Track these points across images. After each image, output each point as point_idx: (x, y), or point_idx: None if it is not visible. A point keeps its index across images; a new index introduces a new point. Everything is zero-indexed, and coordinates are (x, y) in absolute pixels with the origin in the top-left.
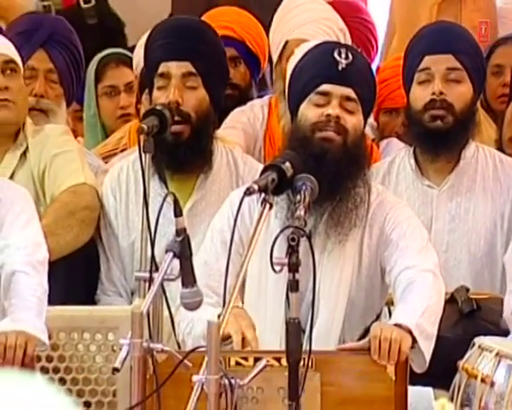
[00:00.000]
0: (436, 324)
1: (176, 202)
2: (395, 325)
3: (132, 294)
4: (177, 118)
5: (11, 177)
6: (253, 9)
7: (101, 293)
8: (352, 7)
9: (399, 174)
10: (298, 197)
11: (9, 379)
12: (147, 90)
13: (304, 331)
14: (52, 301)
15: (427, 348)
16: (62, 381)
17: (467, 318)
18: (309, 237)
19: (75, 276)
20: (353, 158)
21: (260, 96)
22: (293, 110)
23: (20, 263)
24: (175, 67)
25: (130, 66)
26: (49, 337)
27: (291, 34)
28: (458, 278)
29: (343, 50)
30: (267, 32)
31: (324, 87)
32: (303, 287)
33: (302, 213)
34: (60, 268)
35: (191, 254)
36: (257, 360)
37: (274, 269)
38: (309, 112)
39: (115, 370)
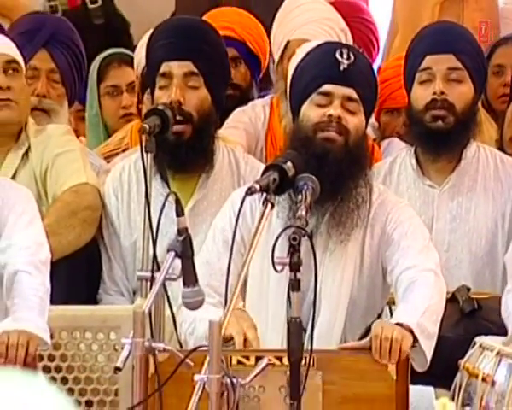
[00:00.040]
0: (437, 323)
1: (177, 201)
2: (396, 324)
3: (134, 293)
4: (178, 117)
5: (13, 176)
6: (255, 9)
7: (103, 292)
8: (353, 7)
9: (401, 174)
10: (299, 197)
11: (10, 379)
12: (148, 90)
13: (305, 331)
14: (54, 300)
15: (428, 347)
16: (64, 380)
17: (468, 317)
18: (310, 237)
19: (77, 275)
20: (355, 158)
21: (263, 96)
22: (295, 110)
23: (23, 263)
24: (177, 67)
25: (133, 66)
26: (51, 337)
27: (292, 34)
28: (459, 278)
29: (345, 51)
30: (269, 32)
31: (326, 87)
32: (304, 287)
33: (303, 212)
34: (62, 268)
35: (193, 254)
36: (258, 359)
37: (275, 268)
38: (311, 112)
39: (117, 369)
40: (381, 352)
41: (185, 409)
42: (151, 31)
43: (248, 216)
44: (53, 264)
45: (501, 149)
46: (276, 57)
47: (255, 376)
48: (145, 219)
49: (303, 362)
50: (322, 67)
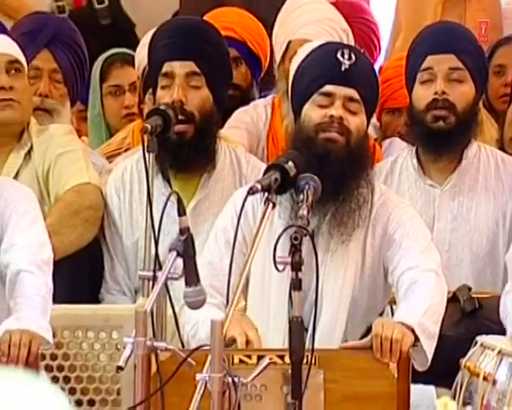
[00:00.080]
0: (438, 323)
1: (179, 201)
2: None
3: (136, 292)
4: (180, 117)
5: (15, 176)
6: (258, 9)
7: (105, 292)
8: (354, 7)
9: (402, 174)
10: (301, 197)
11: (10, 379)
12: (150, 90)
13: (307, 330)
14: (57, 299)
15: (429, 346)
16: (66, 379)
17: (469, 316)
18: (311, 237)
19: (79, 275)
20: (356, 159)
21: (264, 96)
22: (297, 111)
23: (25, 263)
24: (178, 67)
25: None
26: (54, 336)
27: (294, 34)
28: (460, 277)
29: (346, 51)
30: (272, 31)
31: (327, 88)
32: (306, 286)
33: (305, 212)
34: (64, 267)
35: (194, 253)
36: (260, 357)
37: (277, 268)
38: (312, 113)
39: (119, 368)
40: (382, 351)
41: (187, 408)
42: (152, 31)
43: (250, 216)
44: (55, 263)
45: (502, 148)
46: (278, 57)
47: (257, 375)
48: (147, 219)
49: (304, 361)
50: (323, 67)
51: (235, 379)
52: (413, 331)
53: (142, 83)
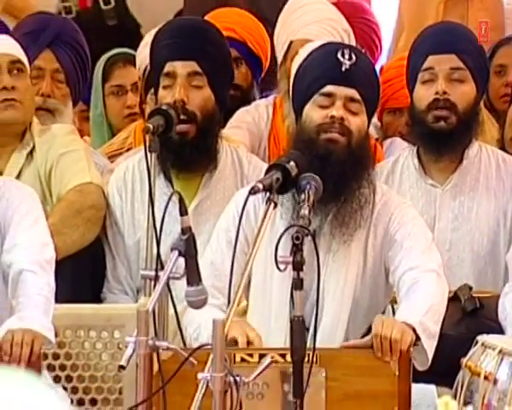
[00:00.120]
0: (439, 323)
1: (181, 200)
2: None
3: (138, 292)
4: (182, 117)
5: (18, 176)
6: (261, 8)
7: (107, 291)
8: (356, 7)
9: (403, 174)
10: (302, 196)
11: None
12: (152, 90)
13: (308, 330)
14: (59, 299)
15: (429, 346)
16: (69, 378)
17: (470, 316)
18: (313, 236)
19: (81, 274)
20: (358, 159)
21: (265, 97)
22: (298, 111)
23: (28, 262)
24: (180, 67)
25: None
26: (56, 335)
27: (296, 34)
28: (461, 277)
29: (346, 51)
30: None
31: (328, 88)
32: (308, 286)
33: (306, 212)
34: (66, 267)
35: (196, 253)
36: (262, 356)
37: (278, 267)
38: (313, 113)
39: (121, 367)
40: (383, 350)
41: (189, 407)
42: (153, 31)
43: (252, 216)
44: (57, 263)
45: (502, 148)
46: (280, 57)
47: (258, 374)
48: (149, 219)
49: (306, 359)
50: (323, 67)
51: (237, 378)
52: (414, 331)
53: (143, 83)
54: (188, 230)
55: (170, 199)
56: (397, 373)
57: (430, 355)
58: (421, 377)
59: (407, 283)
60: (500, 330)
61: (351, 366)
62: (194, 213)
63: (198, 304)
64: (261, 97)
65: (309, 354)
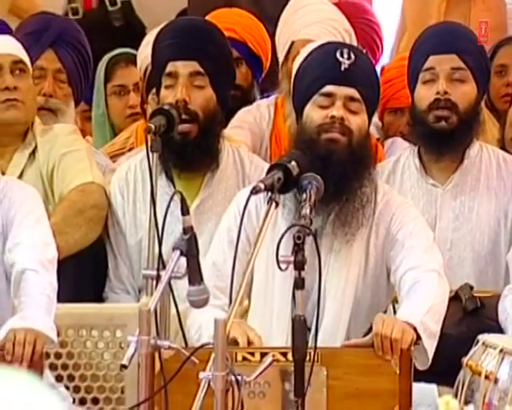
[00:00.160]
0: (440, 322)
1: (183, 200)
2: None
3: (140, 291)
4: (184, 116)
5: (20, 176)
6: (265, 7)
7: (108, 290)
8: (357, 8)
9: (404, 173)
10: (303, 196)
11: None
12: (153, 91)
13: (309, 330)
14: (61, 298)
15: (430, 346)
16: (71, 377)
17: (471, 315)
18: (314, 236)
19: (83, 274)
20: (359, 158)
21: (266, 96)
22: (298, 111)
23: (30, 261)
24: (182, 67)
25: None
26: (58, 334)
27: (297, 35)
28: (462, 276)
29: (345, 51)
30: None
31: (328, 88)
32: (309, 286)
33: (308, 211)
34: (69, 266)
35: (198, 253)
36: (263, 355)
37: (280, 267)
38: (314, 114)
39: (123, 366)
40: (383, 350)
41: (191, 406)
42: (153, 31)
43: (253, 215)
44: (60, 262)
45: (503, 148)
46: (281, 58)
47: (260, 373)
48: (150, 218)
49: (307, 358)
50: (323, 68)
51: (239, 377)
52: (415, 330)
53: (144, 83)
54: (189, 229)
55: (172, 199)
56: (398, 372)
57: (430, 355)
58: (422, 376)
59: (408, 282)
60: (501, 330)
61: (352, 364)
62: (196, 212)
63: (199, 303)
64: (262, 97)
65: (310, 353)
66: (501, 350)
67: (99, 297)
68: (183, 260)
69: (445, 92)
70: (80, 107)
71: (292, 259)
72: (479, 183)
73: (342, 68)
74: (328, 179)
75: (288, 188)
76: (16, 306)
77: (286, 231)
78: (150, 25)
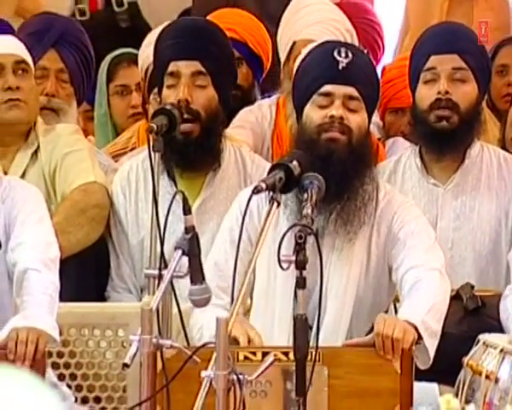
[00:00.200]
0: (441, 321)
1: (185, 200)
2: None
3: (142, 291)
4: (186, 116)
5: (22, 175)
6: (271, 7)
7: (111, 290)
8: (358, 8)
9: (405, 173)
10: (305, 196)
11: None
12: (155, 90)
13: (311, 328)
14: (63, 298)
15: (431, 345)
16: (73, 376)
17: (472, 314)
18: (316, 235)
19: (86, 273)
20: (359, 156)
21: (268, 97)
22: (298, 111)
23: (32, 261)
24: (184, 66)
25: None
26: (60, 334)
27: (298, 35)
28: (463, 276)
29: (343, 49)
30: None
31: (326, 88)
32: (311, 285)
33: (309, 211)
34: (71, 266)
35: (200, 252)
36: (265, 354)
37: (281, 266)
38: (313, 114)
39: (125, 365)
40: (384, 350)
41: (192, 405)
42: (154, 31)
43: (255, 215)
44: (62, 262)
45: (503, 148)
46: (283, 58)
47: (262, 372)
48: (152, 218)
49: (309, 357)
50: (321, 67)
51: (240, 376)
52: (416, 329)
53: (146, 83)
54: (191, 229)
55: (173, 198)
56: (399, 371)
57: (432, 354)
58: (423, 375)
59: (410, 281)
60: (502, 329)
61: (353, 364)
62: (198, 212)
63: (201, 303)
64: (263, 98)
65: (311, 353)
66: (501, 350)
67: (101, 296)
68: (185, 259)
69: (446, 92)
70: (82, 107)
71: (293, 258)
72: (480, 182)
73: (340, 67)
74: (329, 179)
75: (289, 188)
76: (18, 305)
77: (287, 231)
78: (156, 26)
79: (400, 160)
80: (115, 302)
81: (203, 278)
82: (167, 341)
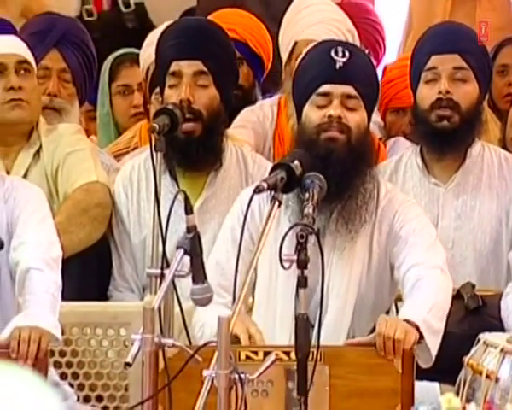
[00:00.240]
0: (443, 319)
1: (186, 199)
2: (403, 320)
3: (144, 290)
4: (188, 116)
5: (25, 175)
6: (277, 8)
7: (113, 289)
8: (360, 8)
9: (406, 172)
10: (306, 195)
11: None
12: (157, 90)
13: (313, 326)
14: (65, 297)
15: (433, 343)
16: (75, 375)
17: (473, 314)
18: (317, 235)
19: (88, 272)
20: (359, 155)
21: (269, 97)
22: (298, 111)
23: (35, 260)
24: (186, 66)
25: None
26: (63, 333)
27: (300, 35)
28: (464, 275)
29: (340, 49)
30: None
31: (324, 88)
32: (313, 284)
33: (310, 210)
34: (73, 265)
35: (201, 251)
36: (266, 354)
37: (283, 266)
38: (312, 114)
39: (127, 364)
40: (385, 350)
41: (194, 404)
42: (155, 31)
43: (257, 214)
44: (64, 261)
45: (504, 148)
46: (284, 58)
47: (263, 371)
48: (154, 217)
49: (310, 357)
50: (318, 67)
51: (242, 375)
52: (418, 329)
53: (147, 83)
54: (193, 228)
55: (175, 198)
56: (400, 371)
57: (434, 353)
58: (424, 374)
59: (411, 280)
60: (503, 328)
61: (354, 363)
62: (200, 211)
63: (203, 302)
64: (264, 98)
65: (313, 352)
66: (502, 350)
67: (103, 296)
68: (187, 258)
69: (447, 92)
70: (84, 107)
71: (295, 258)
72: (481, 182)
73: (337, 66)
74: (329, 178)
75: (291, 187)
76: (21, 304)
77: (289, 230)
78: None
79: (401, 159)
80: (117, 301)
81: (205, 278)
82: (169, 340)
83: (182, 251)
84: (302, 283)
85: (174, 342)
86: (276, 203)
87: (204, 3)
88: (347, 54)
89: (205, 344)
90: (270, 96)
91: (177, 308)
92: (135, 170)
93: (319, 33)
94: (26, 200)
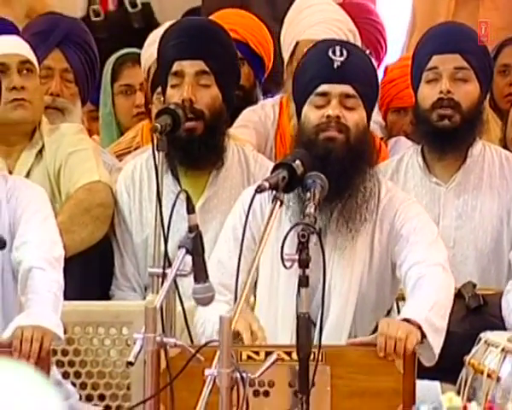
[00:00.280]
0: (446, 317)
1: (188, 199)
2: (404, 319)
3: (146, 289)
4: (190, 115)
5: (27, 175)
6: (279, 7)
7: (115, 288)
8: (361, 8)
9: (408, 172)
10: (308, 195)
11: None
12: (159, 90)
13: (315, 325)
14: (68, 296)
15: (436, 342)
16: (77, 374)
17: (474, 313)
18: (318, 234)
19: (90, 272)
20: (358, 153)
21: (271, 96)
22: (298, 112)
23: (37, 259)
24: (188, 66)
25: None
26: (65, 332)
27: (302, 35)
28: (465, 274)
29: (337, 48)
30: None
31: (322, 88)
32: (314, 284)
33: (312, 210)
34: (75, 264)
35: (203, 250)
36: (268, 354)
37: (284, 265)
38: (311, 114)
39: (129, 363)
40: (386, 350)
41: (196, 403)
42: (156, 31)
43: (258, 214)
44: (66, 261)
45: (505, 147)
46: (286, 58)
47: (265, 370)
48: (156, 217)
49: (312, 356)
50: (316, 67)
51: (244, 375)
52: (420, 328)
53: (149, 83)
54: (195, 227)
55: (177, 197)
56: (402, 371)
57: (437, 351)
58: (425, 373)
59: (413, 278)
60: (504, 327)
61: (356, 363)
62: (201, 210)
63: (205, 301)
64: (265, 98)
65: (314, 352)
66: (503, 349)
67: (105, 295)
68: (189, 258)
69: (448, 91)
70: (87, 107)
71: (296, 257)
72: (482, 181)
73: (335, 66)
74: (328, 178)
75: (292, 187)
76: (23, 303)
77: (290, 230)
78: (159, 16)
79: (402, 159)
80: (119, 301)
81: (207, 277)
82: (171, 339)
83: (184, 250)
84: (303, 282)
85: (176, 342)
86: (278, 203)
87: (209, 3)
88: (345, 53)
89: (206, 343)
90: (272, 97)
91: (178, 308)
92: (137, 170)
93: (320, 33)
94: (28, 199)
